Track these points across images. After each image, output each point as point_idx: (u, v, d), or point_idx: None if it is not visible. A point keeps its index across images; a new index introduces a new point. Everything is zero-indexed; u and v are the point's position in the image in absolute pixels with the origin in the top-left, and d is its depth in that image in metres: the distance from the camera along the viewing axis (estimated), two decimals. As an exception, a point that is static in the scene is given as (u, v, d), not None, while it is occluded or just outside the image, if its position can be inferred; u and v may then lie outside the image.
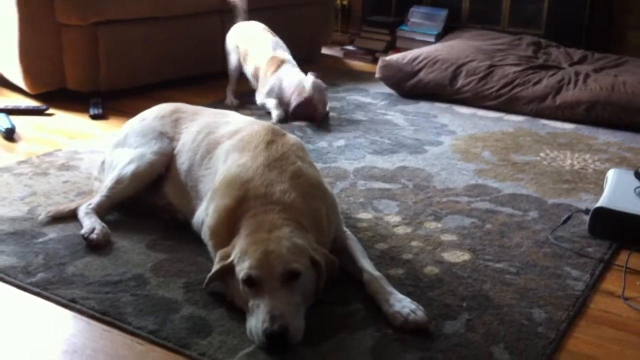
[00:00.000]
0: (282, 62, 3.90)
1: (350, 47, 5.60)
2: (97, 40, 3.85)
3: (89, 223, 2.31)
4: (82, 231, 2.28)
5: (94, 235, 2.26)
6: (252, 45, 4.02)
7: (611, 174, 2.81)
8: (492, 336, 1.87)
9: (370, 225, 2.52)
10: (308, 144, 3.29)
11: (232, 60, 4.10)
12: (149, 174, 2.45)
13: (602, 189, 2.75)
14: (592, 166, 3.20)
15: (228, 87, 4.10)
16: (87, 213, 2.37)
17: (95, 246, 2.24)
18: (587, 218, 2.50)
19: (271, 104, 3.81)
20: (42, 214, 2.44)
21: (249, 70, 4.03)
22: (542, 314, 1.98)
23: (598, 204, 2.50)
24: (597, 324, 1.99)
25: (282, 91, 3.82)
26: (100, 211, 2.40)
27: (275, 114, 3.74)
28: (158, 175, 2.46)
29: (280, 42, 4.05)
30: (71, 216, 2.42)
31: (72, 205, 2.46)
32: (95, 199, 2.43)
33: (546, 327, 1.92)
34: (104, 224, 2.32)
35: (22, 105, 3.78)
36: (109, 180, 2.47)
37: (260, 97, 3.93)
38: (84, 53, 3.85)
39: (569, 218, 2.56)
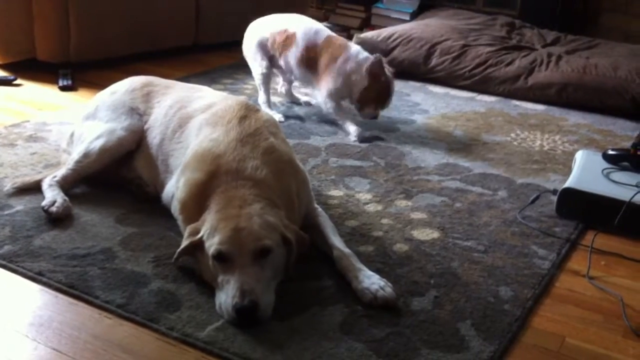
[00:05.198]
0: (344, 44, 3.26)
1: (325, 24, 5.56)
2: (68, 9, 3.77)
3: (51, 196, 2.29)
4: (43, 203, 2.26)
5: (54, 208, 2.23)
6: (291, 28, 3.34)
7: (580, 155, 2.85)
8: (459, 313, 1.90)
9: (341, 202, 2.52)
10: (280, 120, 3.27)
11: (261, 63, 3.40)
12: (118, 150, 2.42)
13: (570, 170, 2.78)
14: (561, 147, 3.24)
15: (263, 100, 3.43)
16: (50, 185, 2.35)
17: (55, 219, 2.22)
18: (554, 198, 2.54)
19: (346, 119, 3.25)
20: (8, 185, 2.41)
21: (292, 60, 3.31)
22: (509, 292, 2.01)
23: (566, 185, 2.54)
24: (562, 302, 2.02)
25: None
26: (65, 184, 2.37)
27: (354, 132, 3.17)
28: (127, 151, 2.44)
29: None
30: (37, 188, 2.38)
31: (38, 177, 2.43)
32: (61, 172, 2.40)
33: (512, 305, 1.95)
34: (65, 197, 2.30)
35: (-11, 75, 3.71)
36: (76, 153, 2.44)
37: (324, 98, 3.27)
38: (55, 23, 3.77)
39: (537, 198, 2.59)
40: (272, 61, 3.42)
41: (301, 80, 3.49)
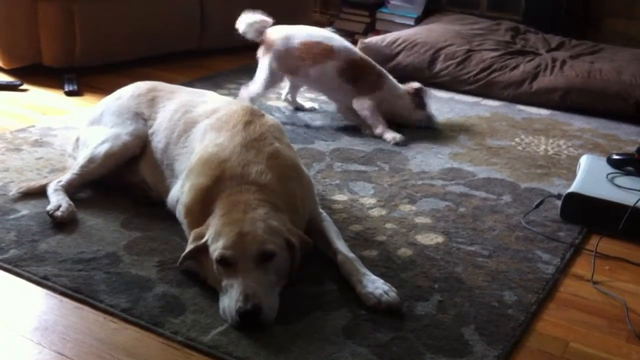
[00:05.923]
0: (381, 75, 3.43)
1: (329, 29, 5.57)
2: (73, 14, 3.79)
3: (56, 200, 2.30)
4: (48, 207, 2.27)
5: (59, 213, 2.24)
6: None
7: (584, 160, 2.85)
8: (463, 317, 1.90)
9: (346, 207, 2.53)
10: (285, 125, 3.27)
11: (278, 71, 3.36)
12: (123, 155, 2.43)
13: (574, 175, 2.78)
14: (565, 152, 3.24)
15: (255, 91, 3.40)
16: (55, 190, 2.36)
17: (60, 223, 2.23)
18: (559, 203, 2.54)
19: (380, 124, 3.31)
20: (14, 189, 2.42)
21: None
22: (513, 297, 2.01)
23: (570, 189, 2.53)
24: (566, 307, 2.02)
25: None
26: (70, 189, 2.38)
27: (390, 136, 3.25)
28: (132, 156, 2.45)
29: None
30: (42, 192, 2.39)
31: (43, 182, 2.44)
32: (66, 177, 2.41)
33: (516, 310, 1.95)
34: (70, 202, 2.31)
35: (-5, 80, 3.73)
36: (81, 158, 2.45)
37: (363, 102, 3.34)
38: (60, 28, 3.78)
39: (541, 202, 2.59)
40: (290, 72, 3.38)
41: (332, 93, 3.44)
